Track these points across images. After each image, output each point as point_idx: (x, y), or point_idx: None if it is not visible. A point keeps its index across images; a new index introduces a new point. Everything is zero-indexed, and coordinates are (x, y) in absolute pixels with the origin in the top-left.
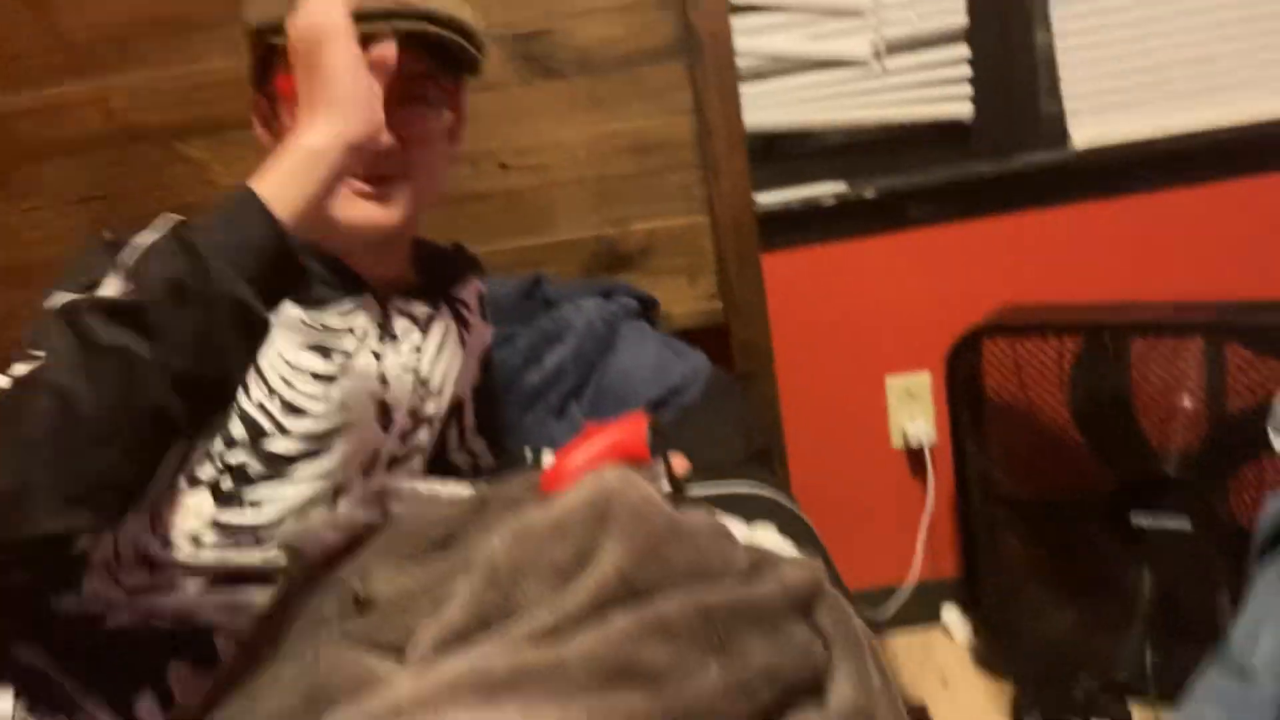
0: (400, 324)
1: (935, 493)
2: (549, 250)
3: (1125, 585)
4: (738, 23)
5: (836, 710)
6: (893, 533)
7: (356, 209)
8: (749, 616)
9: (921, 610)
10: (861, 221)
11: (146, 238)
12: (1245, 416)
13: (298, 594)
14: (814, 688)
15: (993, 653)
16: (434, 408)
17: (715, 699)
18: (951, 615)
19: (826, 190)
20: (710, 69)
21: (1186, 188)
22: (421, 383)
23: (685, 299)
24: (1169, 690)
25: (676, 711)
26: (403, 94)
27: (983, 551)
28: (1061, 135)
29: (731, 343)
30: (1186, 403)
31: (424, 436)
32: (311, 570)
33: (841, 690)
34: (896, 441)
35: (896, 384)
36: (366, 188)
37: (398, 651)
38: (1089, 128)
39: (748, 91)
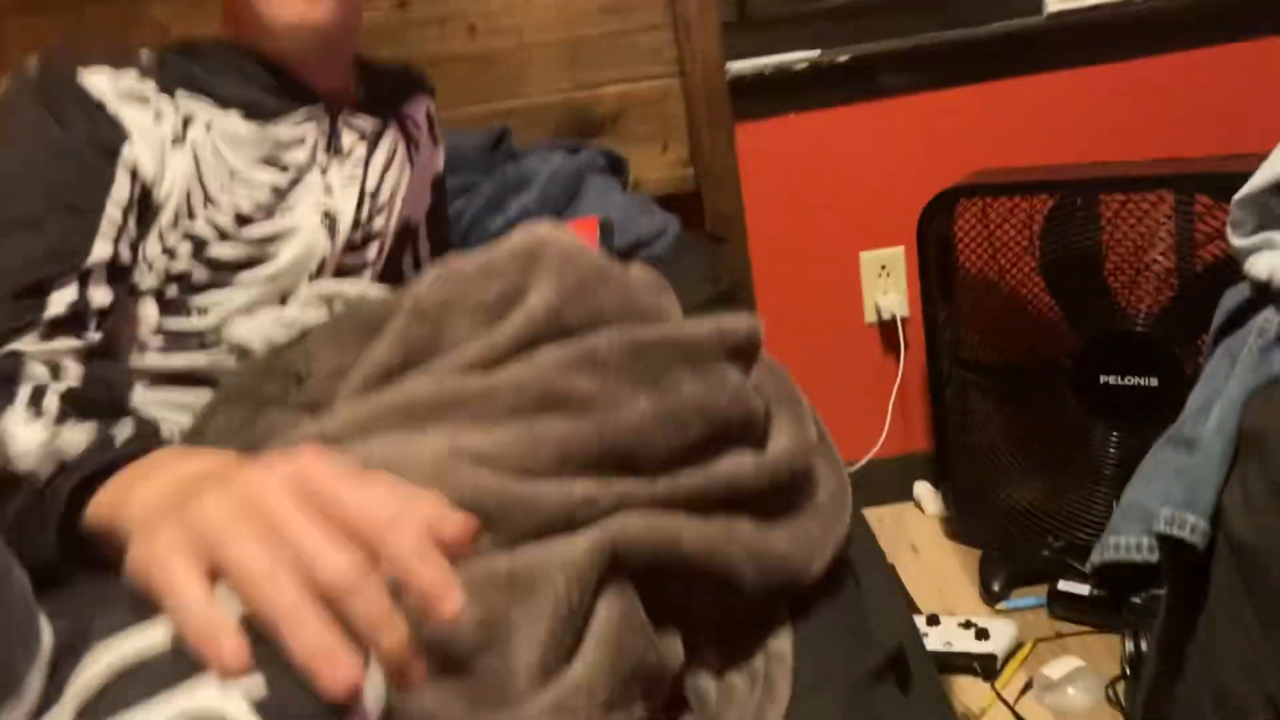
0: (347, 138)
1: (906, 366)
2: (518, 114)
3: (1093, 447)
4: None
5: (772, 456)
6: (866, 407)
7: (287, 6)
8: (680, 352)
9: (894, 485)
10: (834, 90)
11: None
12: (1214, 272)
13: (244, 382)
14: (750, 436)
15: (963, 521)
16: (381, 223)
17: (644, 427)
18: (923, 489)
19: (799, 57)
20: None
21: (1157, 55)
22: (369, 195)
23: (657, 165)
24: None
25: (606, 437)
26: None
27: (953, 420)
28: (1035, 2)
29: (703, 210)
30: (1156, 260)
31: (372, 252)
32: (257, 363)
33: (778, 441)
34: (870, 316)
35: (870, 257)
36: None
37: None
38: None
39: None
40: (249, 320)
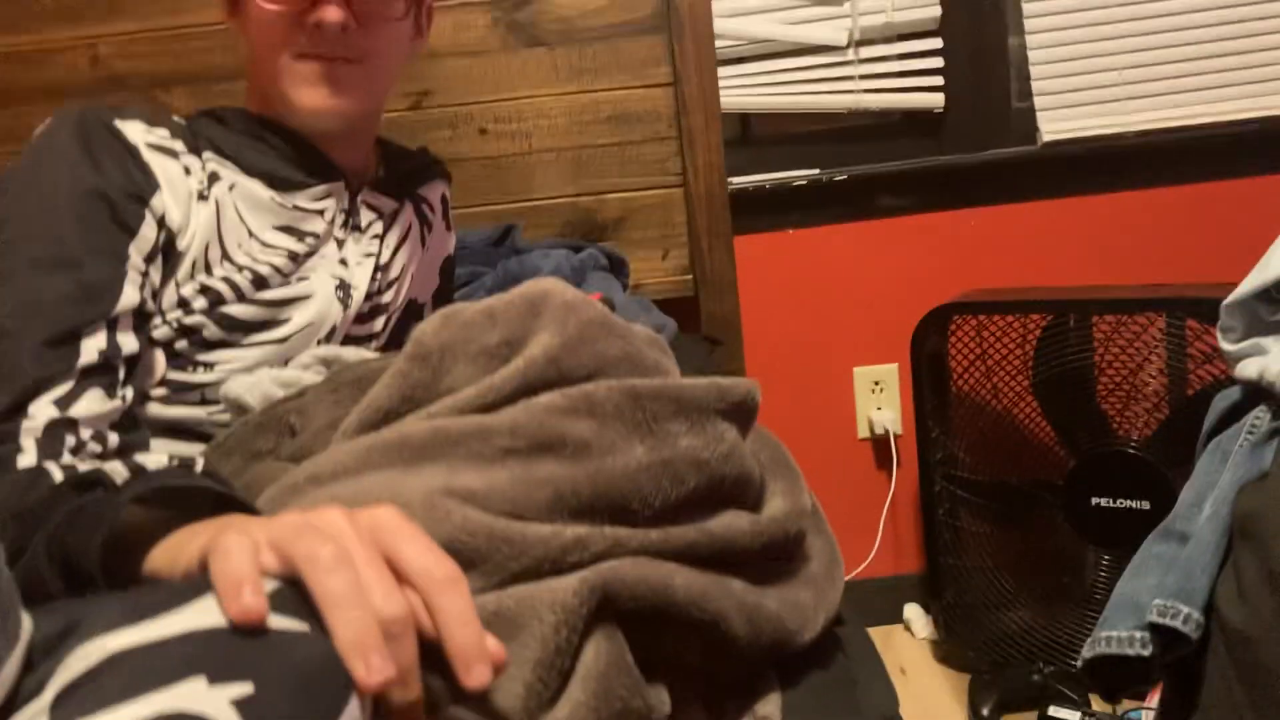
0: (365, 214)
1: (898, 484)
2: (525, 214)
3: (1085, 570)
4: (719, 4)
5: (767, 518)
6: (856, 525)
7: (310, 94)
8: (679, 406)
9: (884, 606)
10: (832, 207)
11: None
12: (1206, 395)
13: (237, 435)
14: (745, 497)
15: (953, 644)
16: (390, 297)
17: (639, 475)
18: (913, 611)
19: (799, 175)
20: (689, 43)
21: (1150, 187)
22: (380, 269)
23: (657, 270)
24: None
25: (600, 483)
26: None
27: (944, 539)
28: (1031, 130)
29: (701, 317)
30: (1149, 382)
31: (378, 325)
32: (252, 418)
33: (774, 504)
34: (863, 431)
35: (863, 372)
36: (319, 69)
37: None
38: (1057, 123)
39: (725, 74)
40: (247, 377)
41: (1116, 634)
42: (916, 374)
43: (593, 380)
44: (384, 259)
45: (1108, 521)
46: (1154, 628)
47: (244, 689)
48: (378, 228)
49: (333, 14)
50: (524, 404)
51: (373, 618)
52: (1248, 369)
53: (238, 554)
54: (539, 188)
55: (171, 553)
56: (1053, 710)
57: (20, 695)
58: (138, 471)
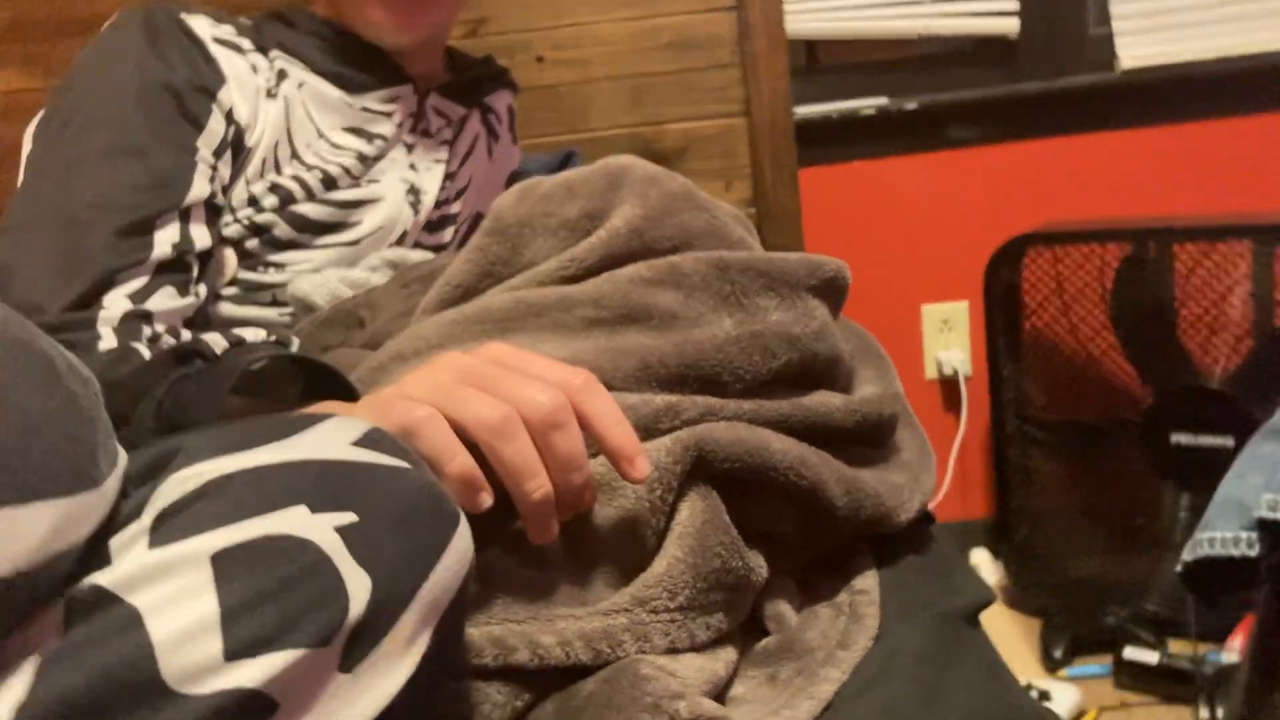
0: (435, 120)
1: (967, 426)
2: (583, 145)
3: (1163, 510)
4: None
5: (860, 399)
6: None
7: (388, 15)
8: (768, 279)
9: None
10: (901, 139)
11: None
12: None
13: (306, 330)
14: (837, 377)
15: (1023, 588)
16: (458, 207)
17: (728, 347)
18: (981, 556)
19: (867, 104)
20: None
21: (1231, 116)
22: (449, 177)
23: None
24: (1205, 620)
25: (687, 353)
26: None
27: (1015, 481)
28: (1109, 57)
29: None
30: (1233, 314)
31: (447, 235)
32: (320, 314)
33: (865, 388)
34: (930, 372)
35: (932, 311)
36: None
37: None
38: (1136, 49)
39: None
40: (314, 277)
41: (1220, 535)
42: (989, 310)
43: (678, 252)
44: (453, 167)
45: (1187, 460)
46: (1263, 525)
47: (347, 518)
48: (447, 134)
49: None
50: (607, 275)
51: (530, 445)
52: None
53: (448, 441)
54: (597, 117)
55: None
56: (1128, 652)
57: (118, 519)
58: (237, 343)
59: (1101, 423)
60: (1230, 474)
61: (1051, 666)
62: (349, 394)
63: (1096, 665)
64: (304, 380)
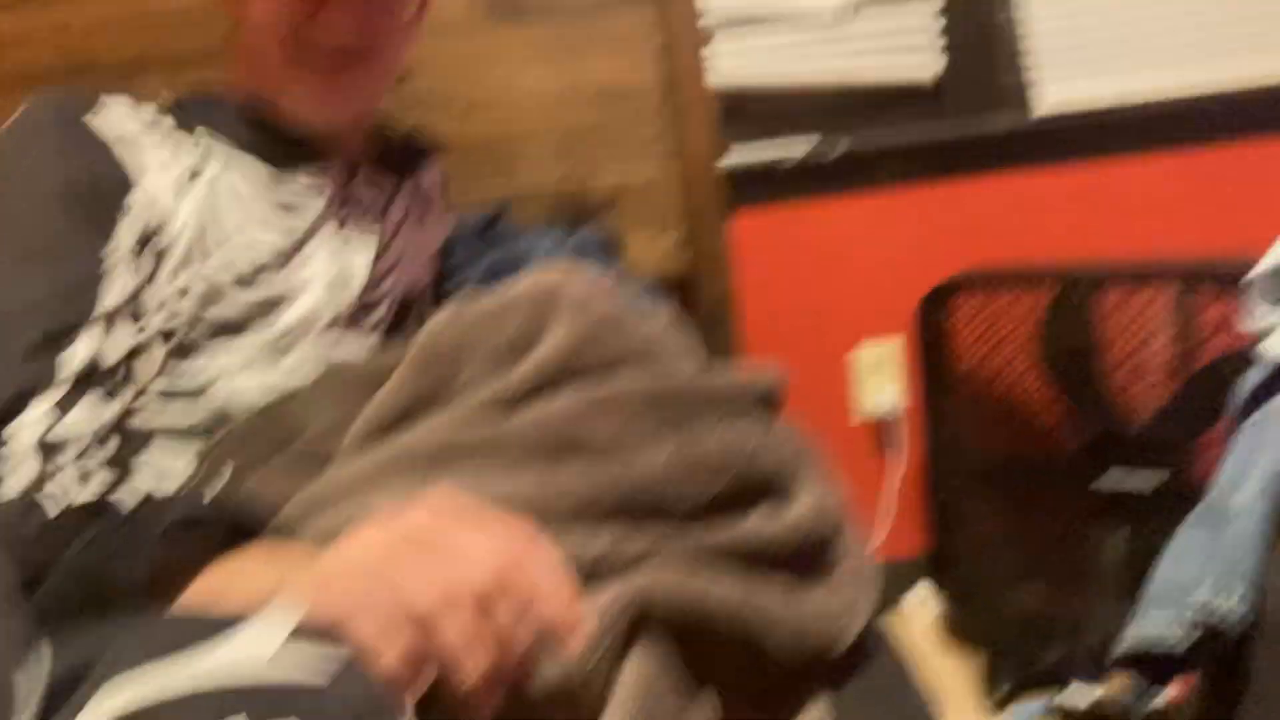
0: (365, 195)
1: (901, 464)
2: (511, 198)
3: (1095, 548)
4: None
5: (801, 514)
6: (861, 507)
7: (314, 99)
8: (704, 400)
9: (890, 590)
10: (830, 181)
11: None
12: (1217, 367)
13: (234, 440)
14: (778, 492)
15: (964, 626)
16: (389, 285)
17: (669, 475)
18: (920, 594)
19: (796, 147)
20: (677, 16)
21: (1154, 154)
22: (380, 254)
23: (652, 250)
24: None
25: (627, 484)
26: None
27: (952, 520)
28: (1029, 99)
29: (698, 297)
30: (1158, 355)
31: (379, 315)
32: (249, 420)
33: (806, 500)
34: (863, 411)
35: (867, 351)
36: (325, 74)
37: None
38: (1055, 92)
39: (717, 47)
40: (240, 377)
41: (1155, 625)
42: (921, 351)
43: (613, 375)
44: (384, 242)
45: (1118, 498)
46: (1195, 619)
47: None
48: (376, 210)
49: (343, 18)
50: (542, 405)
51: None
52: (1273, 347)
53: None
54: (525, 171)
55: (218, 586)
56: (1066, 693)
57: None
58: (146, 500)
59: (1033, 462)
60: (1165, 560)
61: (994, 705)
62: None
63: (1036, 705)
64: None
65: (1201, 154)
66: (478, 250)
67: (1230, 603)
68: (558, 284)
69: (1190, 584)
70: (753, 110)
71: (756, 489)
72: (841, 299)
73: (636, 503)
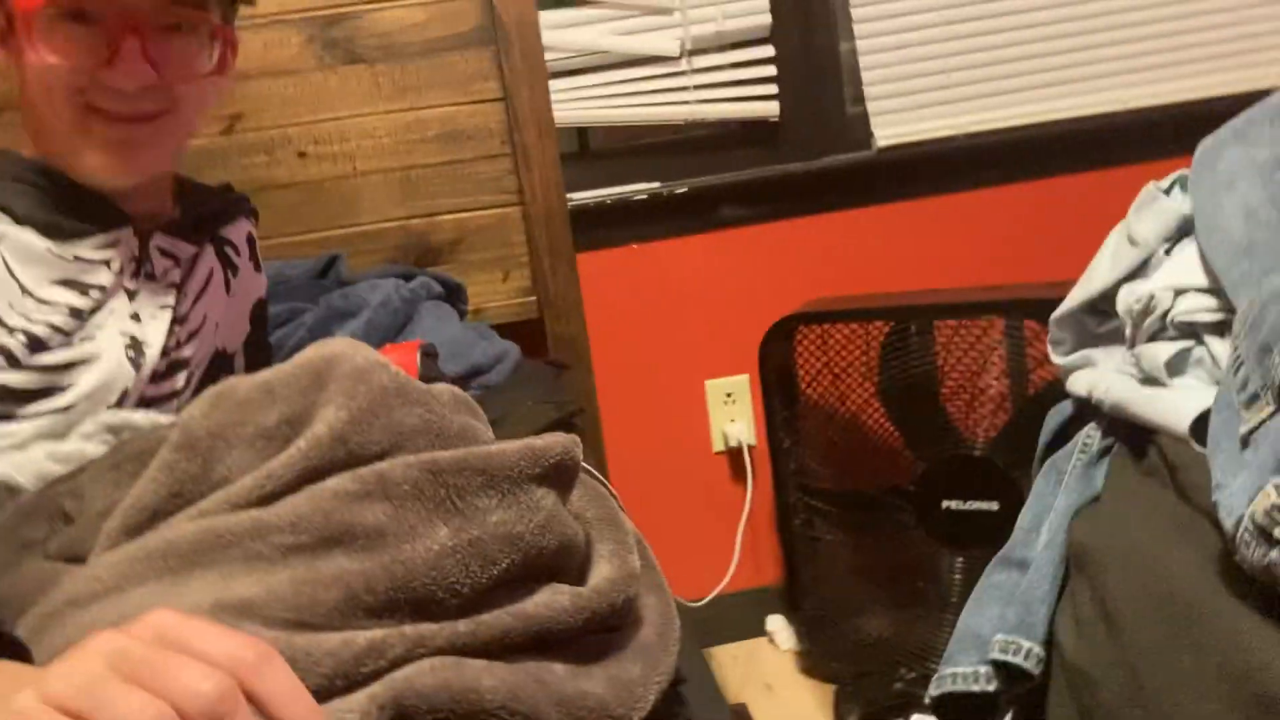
0: (160, 262)
1: (755, 496)
2: (352, 241)
3: (939, 574)
4: (548, 16)
5: (591, 589)
6: (715, 539)
7: (102, 159)
8: (486, 476)
9: (746, 620)
10: (675, 220)
11: None
12: (1046, 395)
13: (7, 522)
14: (567, 567)
15: (816, 655)
16: (191, 350)
17: (444, 560)
18: (776, 623)
19: (639, 189)
20: (518, 56)
21: (985, 187)
22: (178, 321)
23: (498, 294)
24: None
25: (398, 574)
26: (160, 22)
27: (802, 550)
28: (866, 136)
29: (547, 339)
30: (991, 384)
31: (179, 382)
32: (26, 501)
33: (599, 572)
34: (717, 445)
35: (715, 385)
36: (113, 131)
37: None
38: (891, 128)
39: (558, 87)
40: (19, 453)
41: (961, 670)
42: (766, 386)
43: (387, 457)
44: (182, 310)
45: (958, 524)
46: (998, 662)
47: None
48: (174, 275)
49: (132, 73)
50: (308, 491)
51: None
52: (1078, 384)
53: None
54: (366, 212)
55: None
56: (915, 718)
57: None
58: None
59: (878, 491)
60: (970, 603)
61: None
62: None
63: None
64: None
65: (1032, 186)
66: (311, 297)
67: (1030, 644)
68: (333, 358)
69: (990, 628)
70: (597, 151)
71: (544, 565)
72: (691, 335)
73: (409, 594)
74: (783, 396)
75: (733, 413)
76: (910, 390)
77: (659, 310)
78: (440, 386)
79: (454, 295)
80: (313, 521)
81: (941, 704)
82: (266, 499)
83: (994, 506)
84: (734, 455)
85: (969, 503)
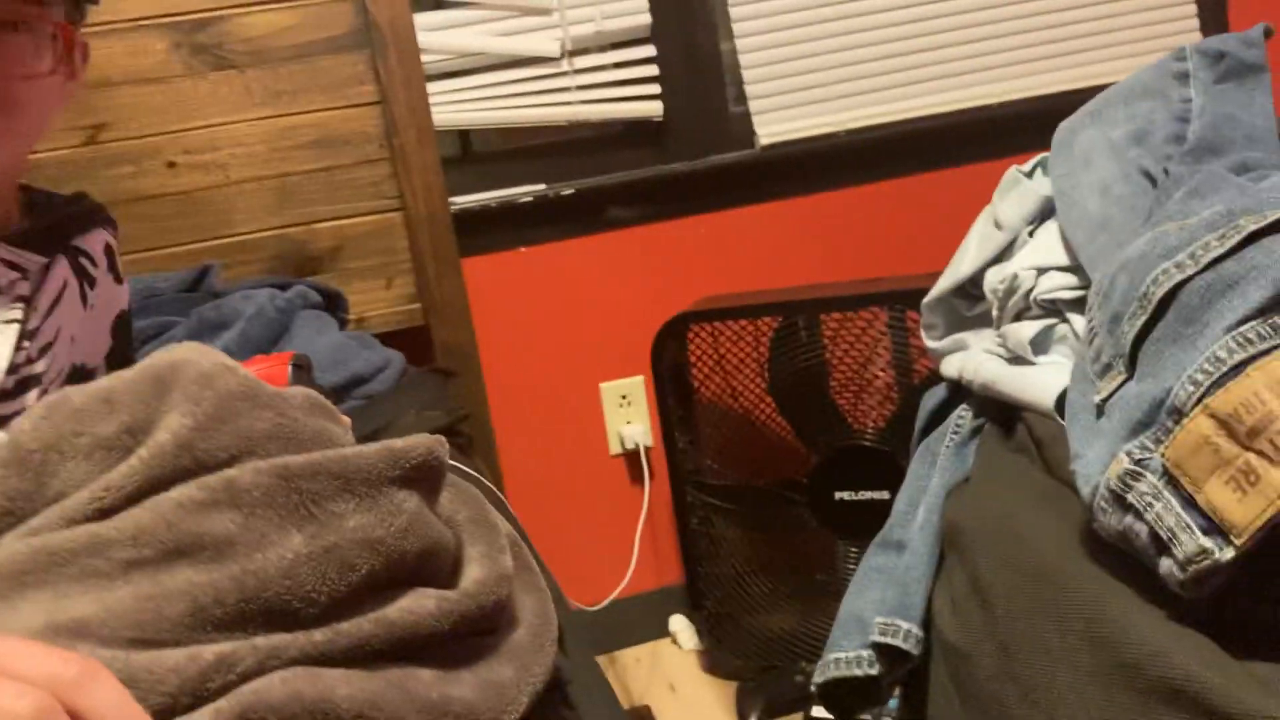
0: (5, 275)
1: (653, 496)
2: (228, 251)
3: (835, 565)
4: (424, 18)
5: (460, 592)
6: (615, 541)
7: None
8: (343, 480)
9: (649, 621)
10: (561, 223)
11: None
12: (931, 383)
13: None
14: (434, 570)
15: (719, 653)
16: (44, 366)
17: (299, 569)
18: (678, 623)
19: (525, 191)
20: (393, 59)
21: (866, 183)
22: (28, 336)
23: (381, 301)
24: None
25: (249, 585)
26: None
27: (700, 549)
28: (749, 134)
29: (434, 347)
30: (877, 375)
31: (31, 398)
32: None
33: (469, 574)
34: (614, 447)
35: (610, 387)
36: None
37: None
38: (773, 125)
39: (437, 89)
40: None
41: (844, 655)
42: (660, 385)
43: (236, 464)
44: (32, 324)
45: (852, 514)
46: (879, 645)
47: None
48: (22, 289)
49: None
50: (151, 502)
51: None
52: (950, 366)
53: None
54: (240, 221)
55: None
56: (815, 711)
57: None
58: None
59: (773, 485)
60: (851, 587)
61: None
62: None
63: None
64: None
65: (912, 180)
66: (182, 310)
67: (908, 625)
68: (177, 364)
69: (871, 611)
70: (480, 154)
71: (409, 570)
72: (583, 338)
73: (260, 605)
74: (677, 396)
75: (628, 415)
76: (800, 384)
77: (550, 314)
78: (294, 390)
79: (333, 304)
80: (155, 532)
81: (828, 690)
82: (106, 512)
83: (885, 495)
84: (631, 457)
85: (860, 493)
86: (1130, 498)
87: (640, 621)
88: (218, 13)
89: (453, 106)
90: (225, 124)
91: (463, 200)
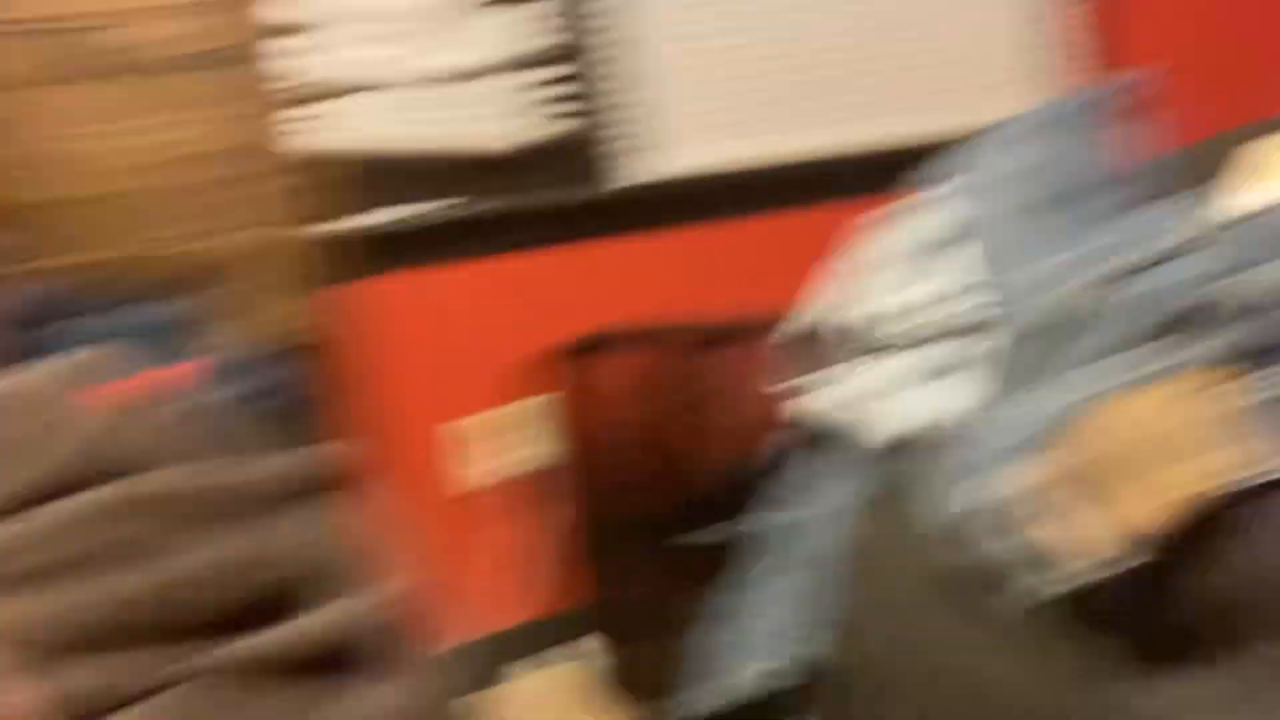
0: None
1: (543, 527)
2: (97, 271)
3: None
4: (312, 36)
5: (329, 620)
6: (508, 573)
7: None
8: (224, 497)
9: (544, 650)
10: (453, 247)
11: None
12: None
13: None
14: (319, 590)
15: (612, 681)
16: None
17: (189, 581)
18: (572, 651)
19: (416, 211)
20: (258, 78)
21: (759, 214)
22: None
23: (245, 329)
24: None
25: (144, 595)
26: None
27: (594, 577)
28: (642, 163)
29: (313, 371)
30: (747, 410)
31: None
32: None
33: (354, 594)
34: (504, 475)
35: (494, 417)
36: None
37: None
38: (674, 156)
39: (331, 108)
40: None
41: (729, 681)
42: (542, 416)
43: (131, 473)
44: None
45: (725, 549)
46: (765, 669)
47: None
48: None
49: None
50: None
51: None
52: (828, 397)
53: None
54: (113, 240)
55: None
56: None
57: None
58: None
59: (641, 518)
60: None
61: None
62: None
63: None
64: None
65: (807, 214)
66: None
67: (794, 648)
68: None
69: (759, 633)
70: (370, 175)
71: (287, 594)
72: (471, 364)
73: (151, 622)
74: (564, 425)
75: (515, 442)
76: (683, 415)
77: (415, 344)
78: (179, 403)
79: (191, 331)
80: (45, 548)
81: (717, 718)
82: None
83: (758, 529)
84: (519, 486)
85: (733, 526)
86: (1008, 518)
87: (536, 650)
88: (95, 23)
89: (345, 126)
90: (100, 137)
91: (350, 222)
